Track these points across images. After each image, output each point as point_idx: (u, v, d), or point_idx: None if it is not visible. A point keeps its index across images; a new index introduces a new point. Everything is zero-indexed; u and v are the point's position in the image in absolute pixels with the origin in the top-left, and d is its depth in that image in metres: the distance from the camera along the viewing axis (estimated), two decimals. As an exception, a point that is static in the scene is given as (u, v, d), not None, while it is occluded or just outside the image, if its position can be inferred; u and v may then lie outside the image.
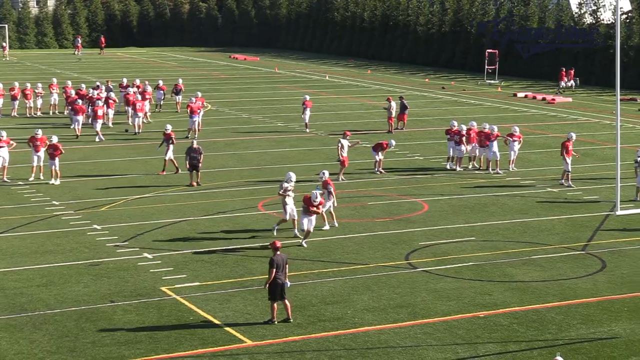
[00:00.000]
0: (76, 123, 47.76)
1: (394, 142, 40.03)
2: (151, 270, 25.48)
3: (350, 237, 29.02)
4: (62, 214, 31.87)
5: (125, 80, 58.14)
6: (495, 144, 39.58)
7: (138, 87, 55.39)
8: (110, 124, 50.41)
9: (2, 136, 37.46)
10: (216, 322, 21.66)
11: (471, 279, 25.01)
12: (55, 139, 37.28)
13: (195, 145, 36.61)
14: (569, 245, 28.47)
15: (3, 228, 29.91)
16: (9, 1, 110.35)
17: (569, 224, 31.05)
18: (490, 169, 39.67)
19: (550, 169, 40.41)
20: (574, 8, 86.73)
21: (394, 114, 51.16)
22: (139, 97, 51.46)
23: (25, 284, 24.26)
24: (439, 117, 56.84)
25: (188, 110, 48.52)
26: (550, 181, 37.75)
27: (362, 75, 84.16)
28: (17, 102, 54.68)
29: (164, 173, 38.37)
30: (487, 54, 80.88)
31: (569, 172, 37.06)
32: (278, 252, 21.72)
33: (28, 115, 54.51)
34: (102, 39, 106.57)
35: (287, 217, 28.92)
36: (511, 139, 39.94)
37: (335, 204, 30.84)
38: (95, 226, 30.14)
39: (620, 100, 63.66)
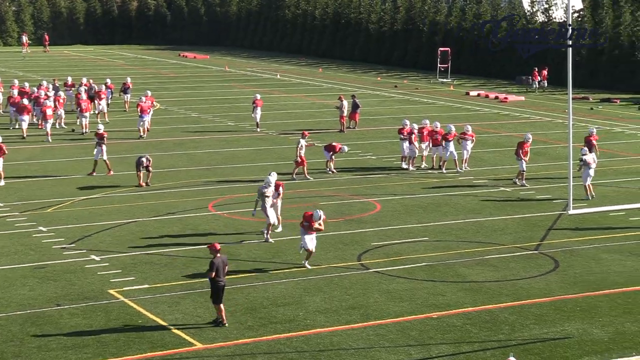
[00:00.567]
0: (22, 123, 47.26)
1: (346, 149, 40.02)
2: (99, 273, 25.28)
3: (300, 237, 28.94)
4: (7, 215, 31.53)
5: (70, 79, 57.66)
6: (451, 143, 39.75)
7: (85, 85, 54.94)
8: (62, 124, 49.96)
9: None
10: (165, 325, 21.54)
11: (424, 279, 25.10)
12: (-1, 139, 36.88)
13: (144, 161, 36.17)
14: (522, 245, 28.67)
15: (-54, 230, 29.53)
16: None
17: (522, 224, 31.27)
18: (444, 168, 39.80)
19: (503, 168, 40.69)
20: (526, 6, 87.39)
21: (345, 113, 51.22)
22: (84, 96, 51.04)
23: (-31, 288, 23.96)
24: (391, 116, 57.01)
25: (138, 110, 48.22)
26: (503, 180, 37.99)
27: (313, 74, 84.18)
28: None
29: (95, 174, 38.00)
30: (439, 52, 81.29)
31: (523, 171, 37.32)
32: (218, 255, 21.70)
33: (-29, 115, 53.90)
34: (46, 37, 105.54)
35: (271, 221, 28.60)
36: (464, 138, 40.14)
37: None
38: (41, 228, 29.85)
39: (573, 99, 64.26)
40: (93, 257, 26.75)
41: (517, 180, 37.48)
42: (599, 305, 23.19)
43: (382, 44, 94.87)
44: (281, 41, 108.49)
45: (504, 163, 41.83)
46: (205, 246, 27.83)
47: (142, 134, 47.19)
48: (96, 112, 52.29)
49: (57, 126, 49.67)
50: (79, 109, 49.46)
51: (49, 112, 47.17)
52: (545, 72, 73.97)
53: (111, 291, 23.78)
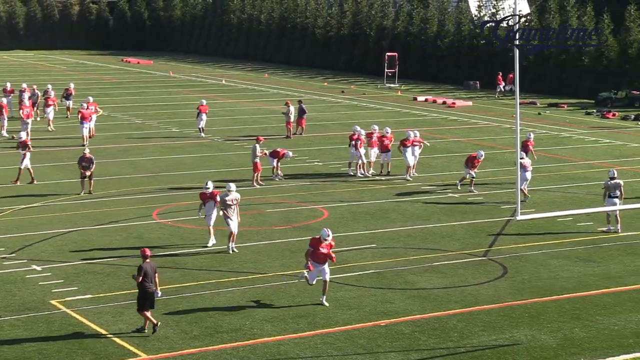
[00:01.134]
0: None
1: (291, 154, 40.05)
2: (40, 283, 25.05)
3: (248, 245, 28.96)
4: (-55, 225, 31.15)
5: (9, 85, 57.11)
6: (410, 149, 39.83)
7: (26, 91, 54.36)
8: (4, 133, 49.41)
9: None
10: (109, 335, 21.39)
11: (372, 286, 25.18)
12: None
13: (87, 155, 36.12)
14: (471, 251, 28.87)
15: None
16: None
17: (470, 230, 31.49)
18: (408, 174, 39.85)
19: (451, 174, 40.94)
20: (474, 11, 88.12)
21: (292, 119, 51.27)
22: (27, 102, 50.53)
23: None
24: (338, 122, 57.16)
25: (79, 117, 47.88)
26: (451, 186, 38.23)
27: (259, 79, 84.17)
28: None
29: (18, 183, 37.66)
30: (386, 56, 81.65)
31: (473, 177, 37.55)
32: (147, 260, 21.68)
33: None
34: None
35: (233, 230, 28.28)
36: (412, 145, 40.31)
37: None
38: (-20, 238, 29.52)
39: (520, 103, 64.86)
40: (34, 267, 26.50)
41: (458, 183, 37.73)
42: (547, 311, 23.42)
43: (329, 49, 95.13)
44: (226, 46, 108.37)
45: (452, 169, 42.09)
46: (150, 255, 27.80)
47: (85, 141, 46.84)
48: (43, 117, 51.89)
49: (4, 133, 49.18)
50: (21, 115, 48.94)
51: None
52: (511, 76, 74.23)
53: (53, 302, 23.57)
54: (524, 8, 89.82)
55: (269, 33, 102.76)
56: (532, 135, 41.06)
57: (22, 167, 37.88)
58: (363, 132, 40.81)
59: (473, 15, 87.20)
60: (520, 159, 35.82)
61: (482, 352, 20.74)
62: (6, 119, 50.05)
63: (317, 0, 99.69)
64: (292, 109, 51.30)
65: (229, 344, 21.03)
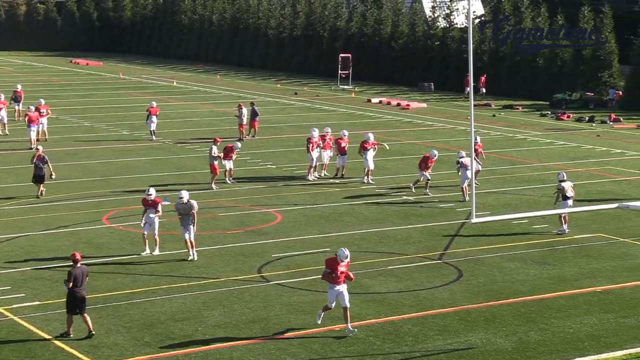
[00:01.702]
0: None
1: (239, 144, 40.03)
2: (-13, 290, 24.82)
3: (200, 250, 28.85)
4: None
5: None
6: (370, 152, 39.85)
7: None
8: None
9: None
10: (58, 343, 21.23)
11: (326, 291, 25.15)
12: None
13: (40, 153, 35.84)
14: (426, 254, 28.98)
15: None
16: None
17: (425, 233, 31.62)
18: (369, 178, 39.88)
19: (405, 176, 41.07)
20: (428, 12, 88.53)
21: (245, 121, 51.20)
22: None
23: None
24: (291, 124, 57.18)
25: (26, 120, 47.50)
26: (406, 189, 38.35)
27: (211, 81, 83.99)
28: None
29: None
30: (340, 58, 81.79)
31: (428, 179, 37.70)
32: (78, 265, 21.62)
33: None
34: None
35: (186, 238, 28.00)
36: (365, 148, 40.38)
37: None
38: None
39: (475, 105, 65.32)
40: (-19, 273, 26.24)
41: (413, 186, 37.89)
42: (502, 314, 23.57)
43: (282, 50, 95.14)
44: (178, 47, 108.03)
45: (406, 171, 42.24)
46: (100, 261, 27.64)
47: (32, 144, 46.43)
48: None
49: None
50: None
51: None
52: (483, 79, 74.37)
53: (0, 309, 23.34)
54: (479, 9, 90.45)
55: (221, 34, 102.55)
56: (479, 139, 41.15)
57: None
58: (315, 134, 40.73)
59: (427, 16, 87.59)
60: (461, 158, 36.46)
61: (437, 356, 20.83)
62: None
63: (270, 1, 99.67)
64: (244, 111, 51.23)
65: (181, 350, 20.94)
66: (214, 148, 38.23)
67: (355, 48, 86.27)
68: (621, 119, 61.55)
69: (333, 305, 22.10)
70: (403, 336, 21.95)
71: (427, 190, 37.53)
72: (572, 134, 55.75)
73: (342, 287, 22.03)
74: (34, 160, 35.79)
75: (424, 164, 37.76)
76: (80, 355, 20.55)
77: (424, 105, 68.82)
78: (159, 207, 28.38)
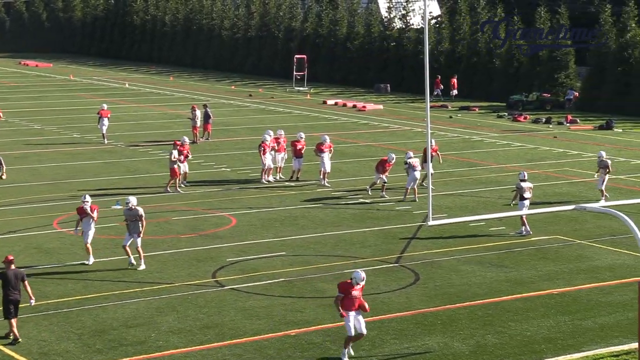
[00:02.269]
0: None
1: (186, 139, 39.96)
2: None
3: (153, 254, 28.76)
4: None
5: None
6: (326, 154, 39.90)
7: None
8: None
9: None
10: (7, 351, 21.07)
11: (282, 295, 25.21)
12: None
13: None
14: (382, 258, 29.07)
15: None
16: None
17: (382, 236, 31.71)
18: (323, 180, 39.95)
19: (362, 179, 41.17)
20: (384, 12, 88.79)
21: (199, 124, 51.09)
22: None
23: None
24: (246, 126, 57.13)
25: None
26: (362, 192, 38.45)
27: (164, 83, 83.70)
28: None
29: None
30: (295, 59, 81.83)
31: (385, 182, 37.87)
32: (11, 267, 21.53)
33: None
34: None
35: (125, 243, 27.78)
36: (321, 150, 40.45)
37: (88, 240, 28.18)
38: None
39: (432, 107, 65.61)
40: None
41: (369, 189, 38.04)
42: (459, 318, 23.70)
43: (236, 51, 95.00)
44: (130, 48, 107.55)
45: (362, 174, 42.34)
46: (50, 266, 27.47)
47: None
48: None
49: None
50: None
51: None
52: (454, 80, 74.45)
53: (-52, 316, 23.14)
54: (435, 9, 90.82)
55: (174, 35, 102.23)
56: (434, 141, 41.33)
57: None
58: (267, 137, 40.66)
59: (383, 17, 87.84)
60: (409, 158, 36.78)
61: (394, 360, 20.91)
62: None
63: (224, 1, 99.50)
64: (198, 113, 51.13)
65: (134, 357, 20.87)
66: (174, 152, 38.11)
67: (310, 49, 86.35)
68: (578, 120, 62.08)
69: (353, 331, 20.67)
70: (359, 341, 21.98)
71: (384, 193, 37.67)
72: (529, 135, 56.17)
73: (358, 315, 20.79)
74: None
75: (381, 167, 37.89)
76: (31, 363, 20.44)
77: (380, 106, 69.02)
78: (95, 215, 27.88)
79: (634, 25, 67.76)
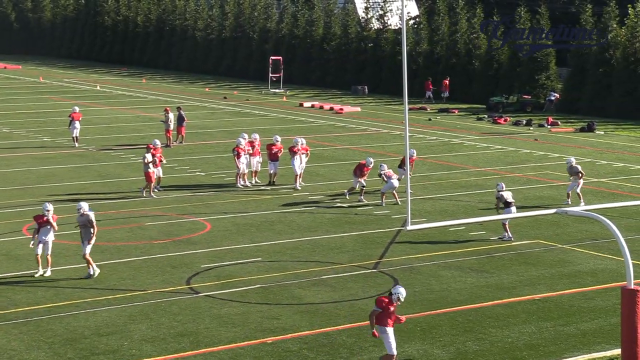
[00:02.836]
0: None
1: (158, 142, 39.83)
2: None
3: (126, 261, 28.69)
4: None
5: None
6: (297, 157, 39.90)
7: None
8: None
9: None
10: (-24, 361, 20.98)
11: (258, 302, 25.17)
12: None
13: None
14: (360, 263, 29.07)
15: None
16: None
17: (360, 241, 31.72)
18: (296, 183, 39.97)
19: (339, 183, 41.19)
20: (361, 13, 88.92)
21: (172, 127, 50.98)
22: None
23: None
24: (221, 130, 57.07)
25: None
26: (340, 196, 38.46)
27: (136, 85, 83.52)
28: None
29: None
30: (270, 60, 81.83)
31: (363, 187, 37.89)
32: None
33: None
34: None
35: (85, 252, 27.57)
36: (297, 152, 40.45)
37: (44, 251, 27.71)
38: None
39: (410, 109, 65.76)
40: None
41: (347, 193, 38.07)
42: (439, 324, 23.72)
43: (210, 53, 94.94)
44: (101, 50, 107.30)
45: (340, 178, 42.35)
46: (21, 273, 27.33)
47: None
48: None
49: None
50: None
51: None
52: (446, 82, 74.52)
53: None
54: (413, 10, 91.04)
55: (146, 36, 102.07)
56: (415, 153, 41.38)
57: None
58: (242, 140, 40.60)
59: (360, 17, 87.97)
60: (382, 171, 36.93)
61: (373, 368, 20.90)
62: None
63: (197, 2, 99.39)
64: (171, 116, 51.02)
65: (106, 366, 20.80)
66: (147, 155, 38.01)
67: (286, 50, 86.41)
68: (559, 123, 62.34)
69: (393, 351, 20.11)
70: (337, 348, 21.99)
71: (362, 197, 37.69)
72: (509, 138, 56.34)
73: (390, 327, 20.26)
74: None
75: (359, 171, 37.94)
76: (0, 373, 20.34)
77: (358, 109, 69.09)
78: (55, 224, 27.50)
79: (615, 25, 68.09)
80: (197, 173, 43.38)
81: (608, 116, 65.14)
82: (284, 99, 75.05)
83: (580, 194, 36.99)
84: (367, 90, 79.60)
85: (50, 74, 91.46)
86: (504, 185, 32.61)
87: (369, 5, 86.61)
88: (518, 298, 25.88)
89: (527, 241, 31.86)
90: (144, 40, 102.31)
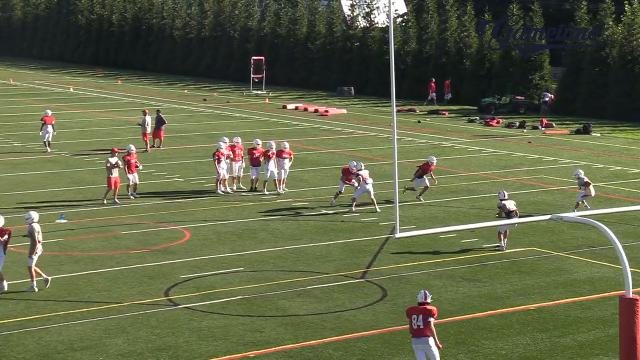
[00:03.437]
0: None
1: (133, 147, 39.66)
2: None
3: (101, 272, 28.62)
4: None
5: None
6: (272, 162, 39.88)
7: None
8: None
9: None
10: (-56, 378, 20.89)
11: (240, 314, 25.15)
12: None
13: None
14: (347, 272, 29.06)
15: None
16: None
17: (347, 249, 31.71)
18: (265, 190, 39.90)
19: (325, 188, 41.18)
20: (346, 10, 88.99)
21: (149, 130, 50.87)
22: None
23: None
24: (200, 133, 57.02)
25: None
26: (325, 202, 38.44)
27: (112, 87, 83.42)
28: None
29: None
30: (252, 60, 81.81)
31: (340, 192, 37.89)
32: None
33: None
34: None
35: (32, 264, 27.32)
36: (282, 157, 40.41)
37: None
38: None
39: (398, 111, 65.79)
40: None
41: (333, 200, 38.04)
42: (430, 336, 23.69)
43: (189, 53, 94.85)
44: (74, 50, 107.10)
45: (325, 183, 42.35)
46: (-10, 285, 27.25)
47: None
48: None
49: None
50: None
51: None
52: (448, 83, 74.41)
53: None
54: (400, 7, 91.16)
55: (122, 35, 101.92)
56: (434, 160, 40.54)
57: None
58: (222, 144, 40.51)
59: (345, 15, 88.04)
60: (359, 170, 36.84)
61: (360, 383, 20.89)
62: None
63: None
64: (148, 119, 50.89)
65: (81, 382, 20.74)
66: (111, 159, 37.91)
67: (268, 50, 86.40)
68: (553, 124, 62.48)
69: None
70: (323, 362, 21.98)
71: (353, 206, 37.54)
72: (502, 140, 56.43)
73: (430, 342, 20.32)
74: None
75: (346, 176, 37.93)
76: (-31, 391, 20.24)
77: (344, 111, 69.11)
78: (6, 237, 27.08)
79: (611, 22, 68.26)
80: (176, 179, 43.32)
81: (604, 117, 65.31)
82: (267, 100, 75.03)
83: (586, 202, 36.57)
84: (353, 91, 79.62)
85: (21, 76, 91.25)
86: (505, 193, 32.49)
87: (354, 3, 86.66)
88: (512, 308, 25.91)
89: (521, 249, 31.90)
90: (119, 40, 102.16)
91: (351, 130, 59.64)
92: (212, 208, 37.60)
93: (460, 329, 24.26)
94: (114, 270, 28.92)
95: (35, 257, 26.88)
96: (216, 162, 40.00)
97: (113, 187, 37.77)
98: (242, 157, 41.16)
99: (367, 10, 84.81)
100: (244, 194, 40.20)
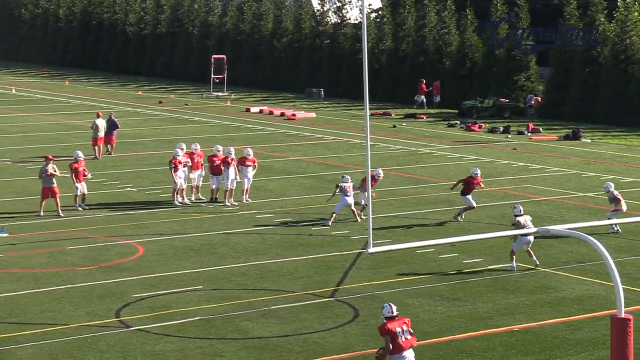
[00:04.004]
0: None
1: (80, 154, 39.51)
2: None
3: (45, 291, 28.51)
4: None
5: None
6: (232, 169, 39.88)
7: None
8: None
9: None
10: None
11: (198, 337, 25.11)
12: None
13: None
14: (315, 291, 29.07)
15: None
16: None
17: (315, 266, 31.72)
18: (227, 200, 39.90)
19: (292, 199, 41.21)
20: (316, 5, 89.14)
21: (100, 134, 50.68)
22: None
23: None
24: (155, 138, 56.95)
25: None
26: (291, 214, 38.46)
27: (58, 88, 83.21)
28: None
29: None
30: (213, 59, 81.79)
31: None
32: None
33: None
34: None
35: None
36: (244, 164, 40.44)
37: None
38: None
39: (372, 115, 65.92)
40: None
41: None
42: None
43: (143, 50, 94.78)
44: (17, 47, 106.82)
45: (292, 193, 42.37)
46: None
47: None
48: None
49: None
50: None
51: None
52: (437, 84, 74.38)
53: None
54: (375, 1, 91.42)
55: (70, 31, 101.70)
56: (478, 172, 39.38)
57: None
58: (179, 151, 40.44)
59: (315, 10, 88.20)
60: (345, 183, 36.87)
61: (329, 411, 20.91)
62: None
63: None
64: (99, 123, 50.71)
65: (23, 412, 20.66)
66: (48, 168, 37.78)
67: (231, 48, 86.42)
68: (540, 129, 62.73)
69: None
70: (289, 389, 21.99)
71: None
72: (484, 147, 56.63)
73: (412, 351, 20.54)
74: None
75: (364, 186, 37.85)
76: None
77: (313, 114, 69.19)
78: None
79: (603, 19, 68.61)
80: (129, 189, 43.23)
81: (595, 122, 65.59)
82: (228, 103, 75.03)
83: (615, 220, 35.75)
84: (323, 93, 79.73)
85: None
86: (521, 209, 32.28)
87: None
88: (495, 329, 25.97)
89: (504, 264, 31.96)
90: (67, 37, 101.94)
91: (320, 136, 59.71)
92: (168, 221, 37.55)
93: (439, 352, 24.30)
94: (60, 289, 28.82)
95: None
96: (173, 171, 39.94)
97: (51, 197, 37.54)
98: (201, 165, 41.10)
99: (339, 4, 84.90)
100: (204, 205, 40.17)
